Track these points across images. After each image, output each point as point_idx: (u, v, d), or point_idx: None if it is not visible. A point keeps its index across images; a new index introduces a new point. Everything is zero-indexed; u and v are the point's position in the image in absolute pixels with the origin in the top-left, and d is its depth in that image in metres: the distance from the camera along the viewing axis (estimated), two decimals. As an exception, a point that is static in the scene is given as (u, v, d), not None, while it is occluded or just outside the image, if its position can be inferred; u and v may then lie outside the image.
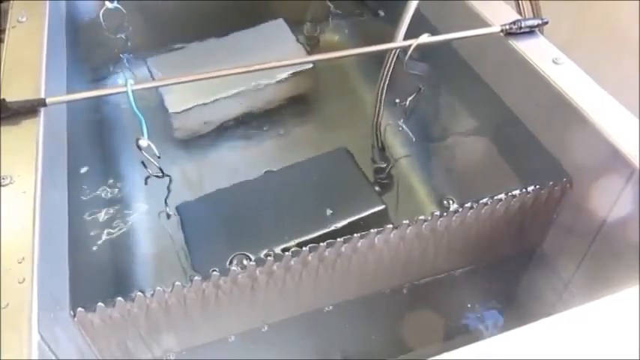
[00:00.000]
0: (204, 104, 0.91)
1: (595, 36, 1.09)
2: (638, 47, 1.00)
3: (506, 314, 0.75)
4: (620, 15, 1.04)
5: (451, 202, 0.81)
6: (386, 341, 0.73)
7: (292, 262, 0.61)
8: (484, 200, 0.64)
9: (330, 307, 0.70)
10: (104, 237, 0.77)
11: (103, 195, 0.82)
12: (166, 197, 0.76)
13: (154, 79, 0.93)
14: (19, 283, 0.49)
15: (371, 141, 0.85)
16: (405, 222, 0.63)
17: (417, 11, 0.74)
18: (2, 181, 0.57)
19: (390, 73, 0.78)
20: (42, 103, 0.63)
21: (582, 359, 0.42)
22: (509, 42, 0.72)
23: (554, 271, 0.73)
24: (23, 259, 0.50)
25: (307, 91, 0.99)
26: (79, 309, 0.56)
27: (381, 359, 0.71)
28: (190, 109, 0.91)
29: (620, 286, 0.47)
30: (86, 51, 0.96)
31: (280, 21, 1.02)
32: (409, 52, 0.70)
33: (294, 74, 0.94)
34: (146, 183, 0.70)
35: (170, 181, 0.73)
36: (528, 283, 0.77)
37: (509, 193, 0.65)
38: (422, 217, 0.63)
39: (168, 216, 0.78)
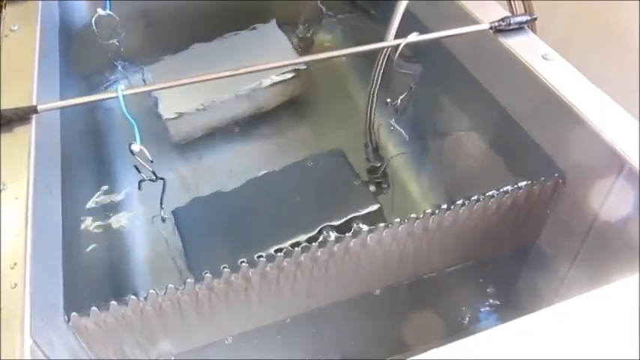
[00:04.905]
0: (199, 108, 0.92)
1: (591, 35, 1.09)
2: (637, 46, 1.00)
3: (502, 311, 0.75)
4: (618, 13, 1.04)
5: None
6: (382, 340, 0.73)
7: (285, 263, 0.62)
8: (475, 197, 0.65)
9: (325, 307, 0.70)
10: (99, 241, 0.77)
11: (97, 200, 0.82)
12: (161, 201, 0.76)
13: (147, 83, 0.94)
14: (12, 288, 0.49)
15: (364, 141, 0.86)
16: (396, 220, 0.63)
17: (408, 11, 0.75)
18: (-5, 188, 0.57)
19: (381, 73, 0.78)
20: (33, 110, 0.64)
21: (578, 349, 0.43)
22: (499, 39, 0.72)
23: (550, 267, 0.73)
24: (15, 264, 0.50)
25: (301, 92, 0.99)
26: (73, 313, 0.56)
27: (377, 358, 0.71)
28: (185, 113, 0.91)
29: (616, 279, 0.48)
30: (79, 58, 0.96)
31: (272, 23, 1.02)
32: (398, 51, 0.71)
33: (287, 76, 0.95)
34: (139, 187, 0.70)
35: (164, 184, 0.73)
36: (524, 280, 0.77)
37: (501, 190, 0.66)
38: (414, 215, 0.63)
39: (163, 219, 0.78)
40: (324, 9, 1.11)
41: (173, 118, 0.91)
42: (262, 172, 0.83)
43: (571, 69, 0.67)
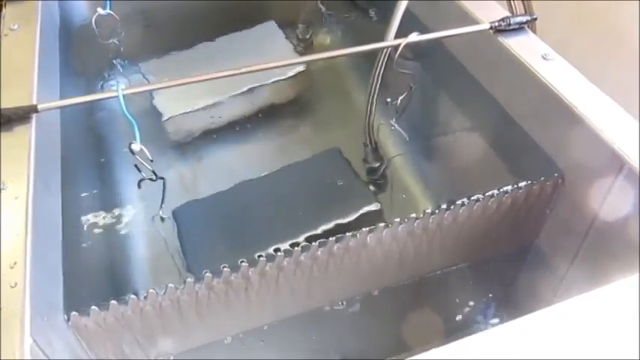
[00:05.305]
0: (198, 108, 0.91)
1: (592, 35, 1.09)
2: (637, 46, 1.00)
3: (502, 310, 0.75)
4: (618, 13, 1.04)
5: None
6: (382, 340, 0.73)
7: (285, 263, 0.62)
8: (475, 197, 0.65)
9: (325, 307, 0.70)
10: (99, 241, 0.77)
11: (97, 199, 0.82)
12: (161, 201, 0.76)
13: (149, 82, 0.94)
14: (12, 287, 0.49)
15: (364, 141, 0.86)
16: (396, 220, 0.63)
17: (408, 11, 0.75)
18: (-5, 187, 0.57)
19: (381, 73, 0.78)
20: (34, 109, 0.64)
21: (578, 349, 0.43)
22: (499, 39, 0.72)
23: (550, 267, 0.73)
24: (15, 263, 0.50)
25: (301, 92, 0.99)
26: (73, 313, 0.56)
27: (377, 358, 0.71)
28: (184, 113, 0.91)
29: (615, 279, 0.48)
30: (79, 57, 0.96)
31: (272, 23, 1.02)
32: (398, 51, 0.71)
33: (287, 76, 0.95)
34: (139, 187, 0.70)
35: (164, 184, 0.73)
36: (524, 280, 0.77)
37: (501, 189, 0.66)
38: (414, 215, 0.63)
39: (163, 219, 0.78)
40: (323, 9, 1.11)
41: (173, 118, 0.91)
42: (262, 172, 0.83)
43: (571, 69, 0.67)
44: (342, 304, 0.71)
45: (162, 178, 0.72)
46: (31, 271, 0.50)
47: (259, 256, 0.61)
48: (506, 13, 0.75)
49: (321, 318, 0.71)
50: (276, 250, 0.64)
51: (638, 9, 0.99)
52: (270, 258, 0.61)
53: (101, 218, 0.79)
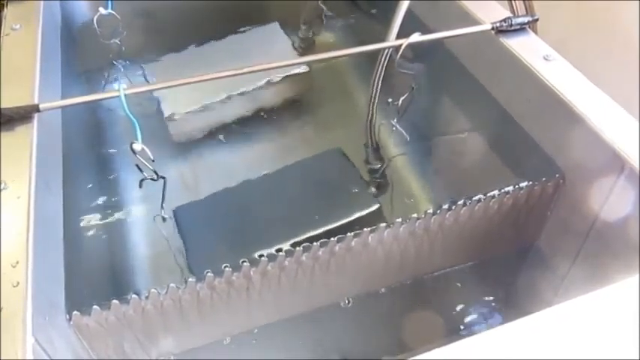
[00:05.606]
0: (200, 108, 0.92)
1: (592, 35, 1.09)
2: (637, 46, 1.00)
3: (503, 311, 0.75)
4: (618, 13, 1.04)
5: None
6: (382, 340, 0.73)
7: (286, 262, 0.62)
8: (477, 197, 0.65)
9: (326, 307, 0.70)
10: (100, 241, 0.77)
11: (98, 199, 0.82)
12: (162, 200, 0.76)
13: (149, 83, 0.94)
14: (14, 286, 0.49)
15: (365, 141, 0.86)
16: (398, 220, 0.63)
17: (409, 11, 0.75)
18: (-3, 186, 0.57)
19: (382, 73, 0.78)
20: (35, 109, 0.64)
21: (579, 349, 0.43)
22: (500, 40, 0.72)
23: (550, 268, 0.73)
24: (17, 262, 0.50)
25: (302, 92, 0.99)
26: (75, 312, 0.56)
27: (378, 358, 0.71)
28: (186, 113, 0.91)
29: (616, 280, 0.48)
30: (81, 57, 0.96)
31: (275, 24, 1.03)
32: (400, 52, 0.71)
33: (289, 77, 0.95)
34: (140, 186, 0.70)
35: (165, 184, 0.73)
36: (524, 280, 0.77)
37: (502, 190, 0.66)
38: (415, 216, 0.63)
39: (164, 219, 0.78)
40: (325, 9, 1.11)
41: (174, 118, 0.91)
42: (263, 172, 0.84)
43: (572, 70, 0.67)
44: (343, 303, 0.71)
45: (163, 178, 0.72)
46: (33, 271, 0.50)
47: (261, 256, 0.61)
48: (508, 14, 0.75)
49: (321, 318, 0.71)
50: (278, 250, 0.64)
51: (638, 9, 0.99)
52: (271, 258, 0.61)
53: (102, 218, 0.80)
